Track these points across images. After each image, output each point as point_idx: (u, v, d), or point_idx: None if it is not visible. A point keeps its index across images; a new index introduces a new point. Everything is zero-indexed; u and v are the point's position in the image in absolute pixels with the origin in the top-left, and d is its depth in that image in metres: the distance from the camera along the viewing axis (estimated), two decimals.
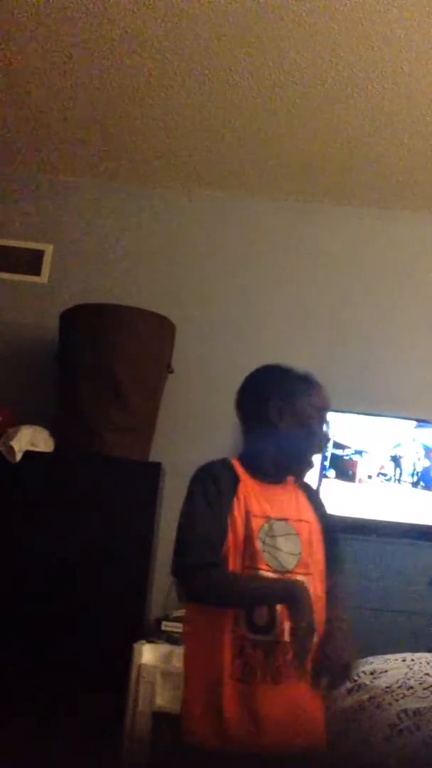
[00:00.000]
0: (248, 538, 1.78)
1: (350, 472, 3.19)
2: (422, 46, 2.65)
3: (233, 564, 1.76)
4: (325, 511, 1.99)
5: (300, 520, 1.86)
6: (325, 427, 1.94)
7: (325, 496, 2.23)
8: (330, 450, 3.17)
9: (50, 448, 3.05)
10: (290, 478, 1.93)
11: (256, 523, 1.79)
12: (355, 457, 3.20)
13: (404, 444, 3.21)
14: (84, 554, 2.87)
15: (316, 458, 2.12)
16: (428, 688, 1.82)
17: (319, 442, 1.98)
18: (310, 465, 1.96)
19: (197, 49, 2.79)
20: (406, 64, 2.75)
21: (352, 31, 2.62)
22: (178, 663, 2.61)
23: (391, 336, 3.59)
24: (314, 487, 2.13)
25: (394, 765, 1.62)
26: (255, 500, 1.82)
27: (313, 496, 2.01)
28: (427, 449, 3.21)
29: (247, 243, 3.72)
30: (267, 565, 1.77)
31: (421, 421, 3.26)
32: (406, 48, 2.67)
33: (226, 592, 1.76)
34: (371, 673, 2.01)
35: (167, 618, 2.93)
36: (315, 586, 1.81)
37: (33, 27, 2.75)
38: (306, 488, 2.00)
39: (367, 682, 1.97)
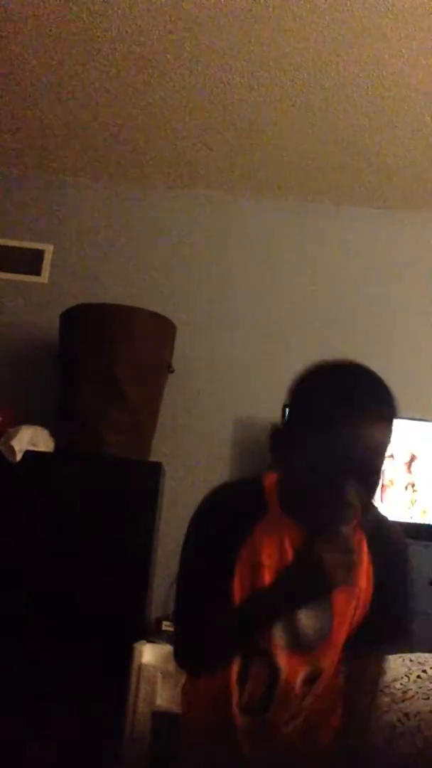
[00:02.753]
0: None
1: None
2: (422, 46, 2.65)
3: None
4: (386, 566, 1.49)
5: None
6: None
7: None
8: None
9: (50, 448, 3.05)
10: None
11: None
12: None
13: (402, 444, 3.21)
14: (84, 554, 2.87)
15: None
16: (428, 689, 1.81)
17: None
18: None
19: (197, 48, 2.79)
20: (406, 64, 2.75)
21: (352, 31, 2.62)
22: None
23: (392, 336, 3.59)
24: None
25: None
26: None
27: (375, 545, 1.48)
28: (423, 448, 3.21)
29: (248, 243, 3.72)
30: (279, 643, 1.39)
31: (419, 421, 3.26)
32: (406, 48, 2.67)
33: None
34: None
35: (167, 618, 2.93)
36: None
37: (33, 28, 2.75)
38: (370, 534, 1.47)
39: None
